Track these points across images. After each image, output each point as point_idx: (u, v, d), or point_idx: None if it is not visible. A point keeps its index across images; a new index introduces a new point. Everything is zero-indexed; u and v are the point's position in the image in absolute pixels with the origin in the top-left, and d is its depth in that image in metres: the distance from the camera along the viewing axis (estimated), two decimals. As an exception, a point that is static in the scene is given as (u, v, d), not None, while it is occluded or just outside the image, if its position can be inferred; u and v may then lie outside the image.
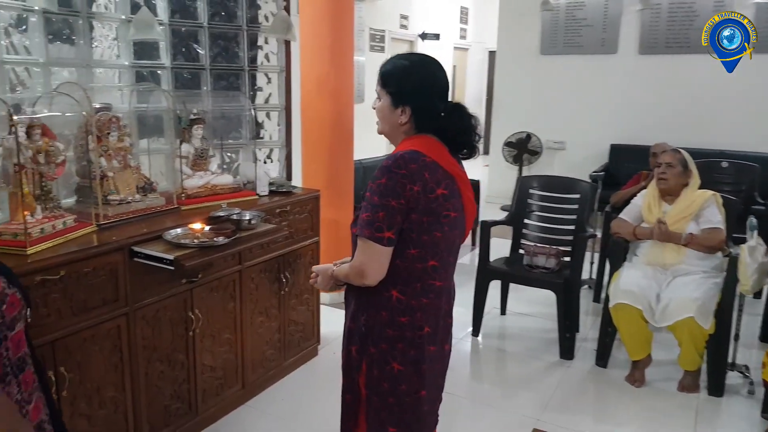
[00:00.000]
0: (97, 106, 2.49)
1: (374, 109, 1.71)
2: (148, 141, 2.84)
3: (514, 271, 3.68)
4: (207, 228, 2.40)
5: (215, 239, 2.32)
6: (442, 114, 1.64)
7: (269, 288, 2.92)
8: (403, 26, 8.85)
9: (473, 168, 10.49)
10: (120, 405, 2.26)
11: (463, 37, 10.90)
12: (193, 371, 2.57)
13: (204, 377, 2.63)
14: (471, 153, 1.70)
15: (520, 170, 7.16)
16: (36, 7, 2.31)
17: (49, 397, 1.43)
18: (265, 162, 3.27)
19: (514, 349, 3.67)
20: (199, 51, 2.97)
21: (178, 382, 2.51)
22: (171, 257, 2.15)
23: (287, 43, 3.17)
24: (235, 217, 2.49)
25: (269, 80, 3.23)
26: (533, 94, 7.15)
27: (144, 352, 2.33)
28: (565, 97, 6.95)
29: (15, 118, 1.99)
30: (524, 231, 3.92)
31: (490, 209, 7.27)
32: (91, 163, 2.35)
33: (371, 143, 8.01)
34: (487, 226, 3.88)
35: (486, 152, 8.46)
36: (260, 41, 3.16)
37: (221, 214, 2.51)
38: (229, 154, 3.18)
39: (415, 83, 1.63)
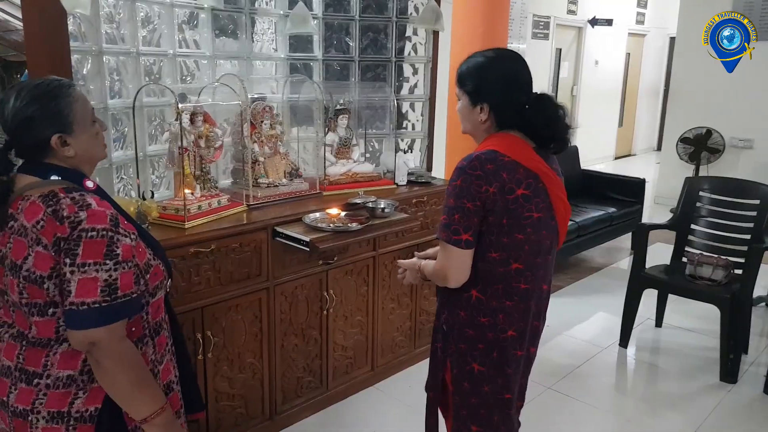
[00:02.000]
0: (255, 96, 2.71)
1: (458, 111, 1.67)
2: (297, 129, 3.02)
3: (674, 281, 3.37)
4: (343, 214, 2.51)
5: (349, 225, 2.41)
6: (526, 107, 1.56)
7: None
8: (571, 11, 8.42)
9: (642, 165, 9.79)
10: (257, 371, 2.46)
11: (640, 22, 10.08)
12: (326, 348, 2.70)
13: (335, 355, 2.76)
14: (559, 146, 1.60)
15: (697, 170, 6.49)
16: (205, 5, 2.56)
17: (184, 362, 1.58)
18: (405, 152, 3.31)
19: (667, 366, 3.37)
20: (350, 43, 3.09)
21: (311, 356, 2.66)
22: (307, 239, 2.28)
23: (435, 34, 3.17)
24: (370, 204, 2.57)
25: (415, 71, 3.26)
26: (717, 84, 6.39)
27: (281, 325, 2.51)
28: (756, 89, 6.14)
29: (180, 106, 2.24)
30: (690, 237, 3.56)
31: (659, 211, 6.72)
32: (245, 149, 2.56)
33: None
34: (644, 229, 3.60)
35: (658, 148, 7.80)
36: (409, 32, 3.20)
37: (357, 201, 2.60)
38: (373, 143, 3.28)
39: (491, 79, 1.57)
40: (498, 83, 1.56)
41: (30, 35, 1.94)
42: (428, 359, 3.15)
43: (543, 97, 1.58)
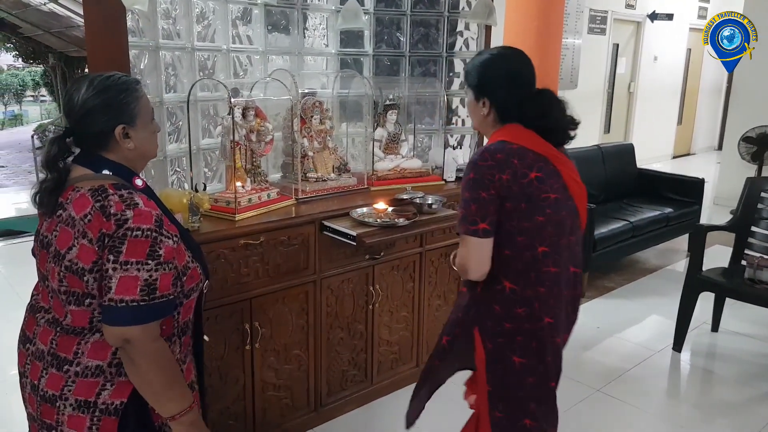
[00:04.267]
0: (305, 91, 2.73)
1: (466, 106, 1.77)
2: (347, 124, 3.03)
3: (732, 284, 3.24)
4: (390, 209, 2.51)
5: (396, 220, 2.41)
6: (524, 102, 1.62)
7: (449, 273, 2.95)
8: (630, 6, 8.16)
9: (702, 164, 9.46)
10: (303, 363, 2.49)
11: (702, 16, 9.68)
12: (371, 342, 2.71)
13: (380, 350, 2.77)
14: (560, 137, 1.64)
15: (760, 170, 6.22)
16: (259, 1, 2.60)
17: (200, 363, 1.60)
18: (454, 148, 3.29)
19: (723, 372, 3.24)
20: (400, 38, 3.08)
21: (356, 350, 2.68)
22: (354, 233, 2.29)
23: (488, 28, 3.13)
24: (417, 200, 2.56)
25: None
26: (784, 81, 6.11)
27: (327, 319, 2.53)
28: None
29: (233, 100, 2.28)
30: (750, 240, 3.42)
31: (718, 212, 6.47)
32: (295, 143, 2.58)
33: (582, 132, 7.61)
34: (701, 230, 3.48)
35: (719, 147, 7.49)
36: (460, 27, 3.17)
37: (405, 196, 2.59)
38: (421, 137, 3.26)
39: (491, 75, 1.64)
40: (498, 79, 1.63)
41: (90, 31, 2.01)
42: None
43: (542, 91, 1.65)
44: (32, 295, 1.48)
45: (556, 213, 1.57)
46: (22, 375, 1.42)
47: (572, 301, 1.70)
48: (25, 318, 1.47)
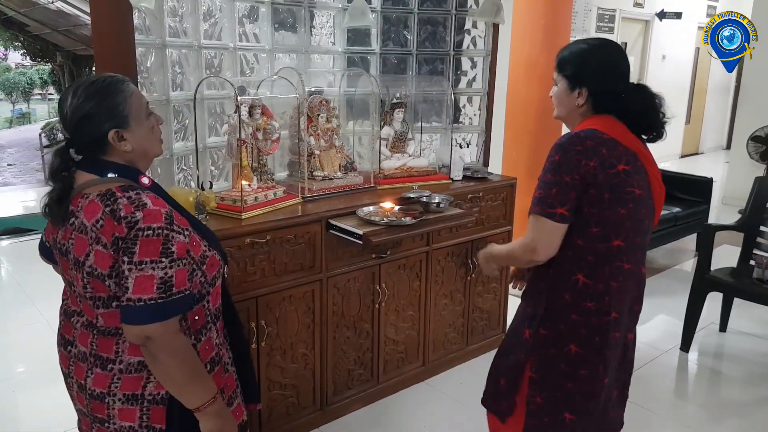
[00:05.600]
0: (312, 89, 2.73)
1: (551, 96, 1.70)
2: (353, 123, 3.02)
3: (740, 284, 3.22)
4: (396, 208, 2.50)
5: (402, 219, 2.40)
6: (622, 95, 1.60)
7: (456, 272, 2.94)
8: (638, 4, 8.12)
9: (710, 163, 9.39)
10: (309, 362, 2.48)
11: (710, 15, 9.62)
12: (377, 342, 2.71)
13: (387, 349, 2.76)
14: (657, 135, 1.63)
15: (769, 169, 6.17)
16: (266, -1, 2.60)
17: (244, 349, 1.61)
18: (461, 147, 3.27)
19: (731, 372, 3.23)
20: (408, 36, 3.07)
21: (362, 349, 2.67)
22: (360, 232, 2.28)
23: (495, 27, 3.12)
24: (424, 199, 2.55)
25: (474, 64, 3.21)
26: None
27: (333, 318, 2.52)
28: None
29: (239, 98, 2.28)
30: (759, 240, 3.39)
31: (727, 212, 6.43)
32: (302, 141, 2.58)
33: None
34: (710, 230, 3.45)
35: (727, 147, 7.44)
36: (468, 25, 3.16)
37: (412, 195, 2.58)
38: (428, 136, 3.25)
39: (593, 65, 1.61)
40: (598, 69, 1.61)
41: (97, 29, 2.01)
42: (481, 357, 3.15)
43: (641, 86, 1.62)
44: (63, 299, 1.49)
45: (636, 209, 1.56)
46: (66, 376, 1.45)
47: (637, 298, 1.68)
48: (60, 322, 1.48)
